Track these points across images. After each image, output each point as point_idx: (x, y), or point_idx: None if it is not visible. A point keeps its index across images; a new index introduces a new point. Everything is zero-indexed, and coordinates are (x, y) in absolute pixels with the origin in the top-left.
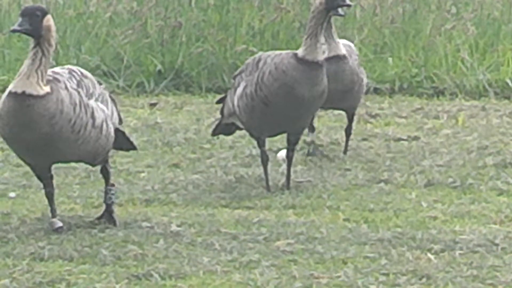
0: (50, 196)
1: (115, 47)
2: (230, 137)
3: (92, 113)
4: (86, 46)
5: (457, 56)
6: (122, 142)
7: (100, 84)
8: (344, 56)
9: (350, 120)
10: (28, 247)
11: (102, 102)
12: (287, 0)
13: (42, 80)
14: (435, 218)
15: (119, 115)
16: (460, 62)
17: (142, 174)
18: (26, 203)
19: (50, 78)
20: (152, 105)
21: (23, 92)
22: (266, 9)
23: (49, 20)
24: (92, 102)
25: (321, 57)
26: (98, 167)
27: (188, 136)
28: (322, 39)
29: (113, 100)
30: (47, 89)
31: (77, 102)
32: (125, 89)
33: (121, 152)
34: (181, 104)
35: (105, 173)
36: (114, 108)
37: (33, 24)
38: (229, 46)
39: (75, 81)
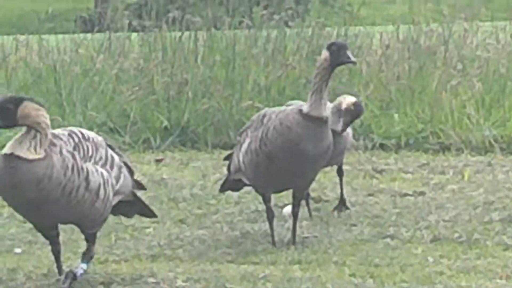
0: (56, 254)
1: (122, 104)
2: (236, 193)
3: (87, 176)
4: (93, 102)
5: (463, 112)
6: (141, 209)
7: (113, 148)
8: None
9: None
10: None
11: (104, 165)
12: (293, 56)
13: (35, 150)
14: (441, 273)
15: (135, 181)
16: (466, 118)
17: (148, 230)
18: (32, 259)
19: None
20: (158, 161)
21: (12, 154)
22: (272, 65)
23: (25, 108)
24: (88, 165)
25: (326, 113)
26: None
27: (194, 192)
28: (326, 95)
29: (127, 165)
30: (39, 156)
31: (69, 166)
32: (131, 145)
33: None
34: (187, 160)
35: (88, 255)
36: (126, 173)
37: (5, 118)
38: (235, 103)
39: (72, 144)
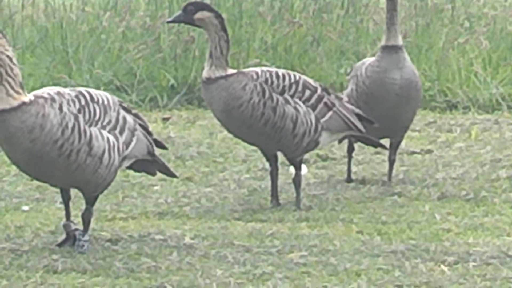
0: (65, 199)
1: (128, 62)
2: (243, 151)
3: (90, 140)
4: (99, 61)
5: (470, 70)
6: (160, 168)
7: (129, 111)
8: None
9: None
10: (42, 260)
11: (113, 130)
12: (300, 14)
13: (13, 89)
14: (448, 230)
15: (151, 144)
16: (473, 76)
17: (155, 188)
18: (39, 216)
19: (48, 97)
20: (165, 119)
21: None
22: (279, 23)
23: None
24: (93, 129)
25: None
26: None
27: (201, 150)
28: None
29: (145, 128)
30: (23, 98)
31: (69, 125)
32: (138, 104)
33: None
34: (194, 118)
35: (87, 217)
36: (141, 137)
37: None
38: (242, 61)
39: (77, 105)
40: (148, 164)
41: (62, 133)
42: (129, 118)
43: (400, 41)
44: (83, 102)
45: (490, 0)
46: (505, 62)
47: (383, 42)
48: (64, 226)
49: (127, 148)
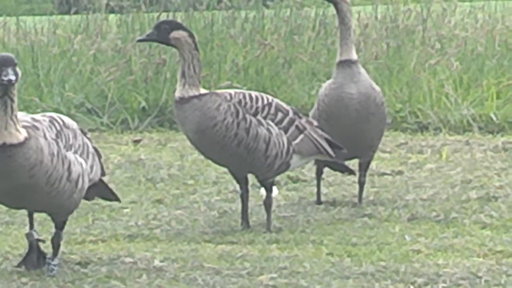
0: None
1: (99, 85)
2: (213, 173)
3: (69, 166)
4: (70, 83)
5: (441, 91)
6: (104, 193)
7: (85, 134)
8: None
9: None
10: (11, 284)
11: (82, 154)
12: (271, 36)
13: (19, 124)
14: (418, 251)
15: (102, 167)
16: (444, 97)
17: (126, 210)
18: (8, 239)
19: (29, 125)
20: (136, 141)
21: (4, 144)
22: (250, 45)
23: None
24: (70, 154)
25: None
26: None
27: (172, 172)
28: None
29: (96, 150)
30: (24, 133)
31: (55, 153)
32: (109, 126)
33: None
34: (165, 140)
35: (56, 241)
36: (97, 160)
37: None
38: (213, 83)
39: (54, 131)
40: (91, 188)
41: (51, 162)
42: (88, 142)
43: (353, 56)
44: (58, 128)
45: (461, 22)
46: (475, 83)
47: (337, 59)
48: (27, 235)
49: (92, 172)
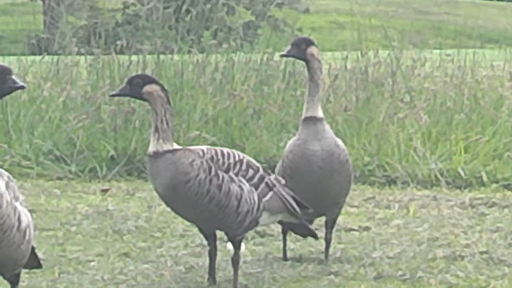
0: None
1: (68, 132)
2: (181, 225)
3: (19, 215)
4: (39, 130)
5: (409, 145)
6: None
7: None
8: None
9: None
10: None
11: (22, 204)
12: (240, 86)
13: None
14: None
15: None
16: (412, 151)
17: (92, 263)
18: None
19: None
20: (104, 191)
21: None
22: (220, 95)
23: None
24: (18, 205)
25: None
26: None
27: (139, 224)
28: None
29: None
30: None
31: (9, 200)
32: (78, 174)
33: (71, 240)
34: (133, 190)
35: None
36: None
37: None
38: (182, 133)
39: (3, 182)
40: None
41: (6, 209)
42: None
43: (319, 113)
44: (6, 179)
45: (431, 74)
46: (444, 138)
47: (303, 115)
48: None
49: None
